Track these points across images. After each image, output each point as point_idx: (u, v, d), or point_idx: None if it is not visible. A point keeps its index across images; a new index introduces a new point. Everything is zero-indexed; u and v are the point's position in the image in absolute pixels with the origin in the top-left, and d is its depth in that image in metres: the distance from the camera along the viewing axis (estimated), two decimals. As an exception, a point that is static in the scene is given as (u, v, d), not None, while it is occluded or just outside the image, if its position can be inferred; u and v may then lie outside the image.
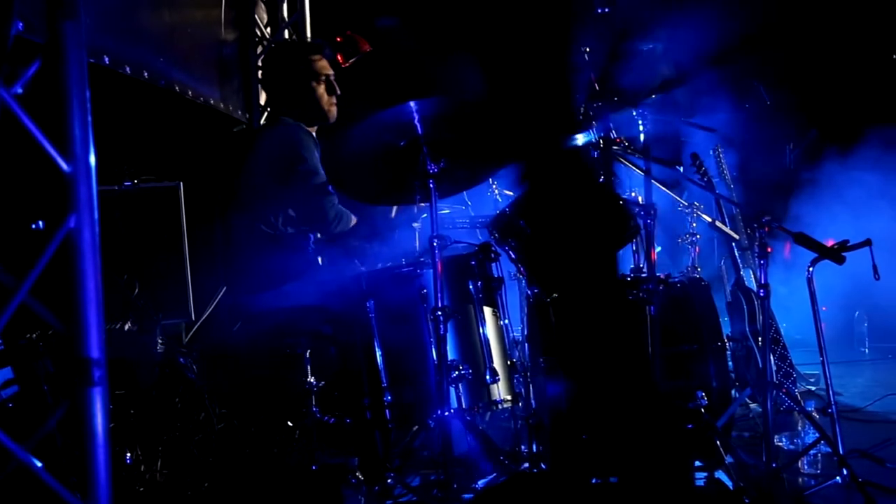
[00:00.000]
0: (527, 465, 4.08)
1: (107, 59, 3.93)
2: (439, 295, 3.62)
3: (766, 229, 3.94)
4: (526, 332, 4.51)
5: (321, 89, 4.39)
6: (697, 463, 4.11)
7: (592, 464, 4.04)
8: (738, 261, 5.51)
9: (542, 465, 4.13)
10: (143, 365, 4.22)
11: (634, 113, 4.09)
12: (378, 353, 3.92)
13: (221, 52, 5.58)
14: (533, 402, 4.27)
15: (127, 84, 4.45)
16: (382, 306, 3.92)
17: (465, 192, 5.54)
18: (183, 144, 5.33)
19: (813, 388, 5.74)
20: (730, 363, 5.45)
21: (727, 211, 5.46)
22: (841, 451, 3.97)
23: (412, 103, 3.44)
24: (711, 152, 5.75)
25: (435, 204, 3.61)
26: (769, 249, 4.00)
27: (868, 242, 3.94)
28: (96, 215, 2.04)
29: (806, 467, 4.14)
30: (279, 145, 4.23)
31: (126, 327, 4.27)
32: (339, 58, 6.05)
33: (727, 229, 5.22)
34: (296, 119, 4.38)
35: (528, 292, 4.36)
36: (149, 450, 3.98)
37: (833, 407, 3.99)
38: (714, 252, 7.12)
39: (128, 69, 4.20)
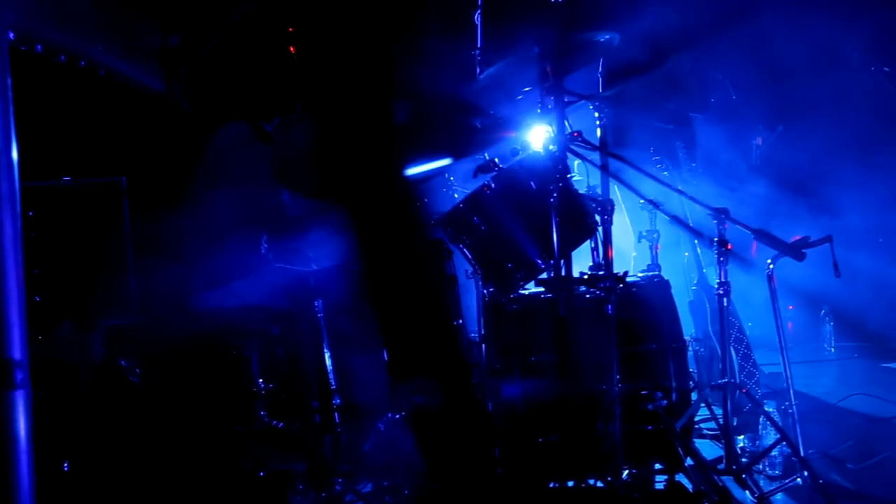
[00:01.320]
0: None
1: (39, 47, 3.86)
2: (389, 293, 3.59)
3: (725, 225, 3.97)
4: (482, 333, 4.50)
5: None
6: (657, 466, 4.13)
7: (548, 468, 4.06)
8: (701, 258, 5.55)
9: (499, 470, 4.13)
10: (82, 368, 4.16)
11: (591, 106, 4.11)
12: (327, 354, 3.89)
13: (167, 41, 5.49)
14: (490, 404, 4.27)
15: (66, 74, 4.38)
16: (332, 305, 3.89)
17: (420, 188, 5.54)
18: (128, 138, 5.24)
19: (777, 389, 5.78)
20: (693, 363, 5.51)
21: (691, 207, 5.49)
22: (802, 452, 4.01)
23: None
24: (676, 147, 5.79)
25: (385, 199, 3.58)
26: (729, 246, 4.03)
27: (829, 239, 3.97)
28: (18, 210, 2.00)
29: (767, 469, 4.17)
30: (229, 139, 4.19)
31: (64, 328, 4.20)
32: (291, 50, 5.99)
33: (689, 226, 5.25)
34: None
35: (484, 292, 4.36)
36: (88, 457, 3.92)
37: (793, 407, 4.03)
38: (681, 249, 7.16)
39: (63, 58, 4.13)
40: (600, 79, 4.33)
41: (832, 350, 7.30)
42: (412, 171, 3.87)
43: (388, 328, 3.31)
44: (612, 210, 4.03)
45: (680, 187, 5.42)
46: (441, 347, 3.38)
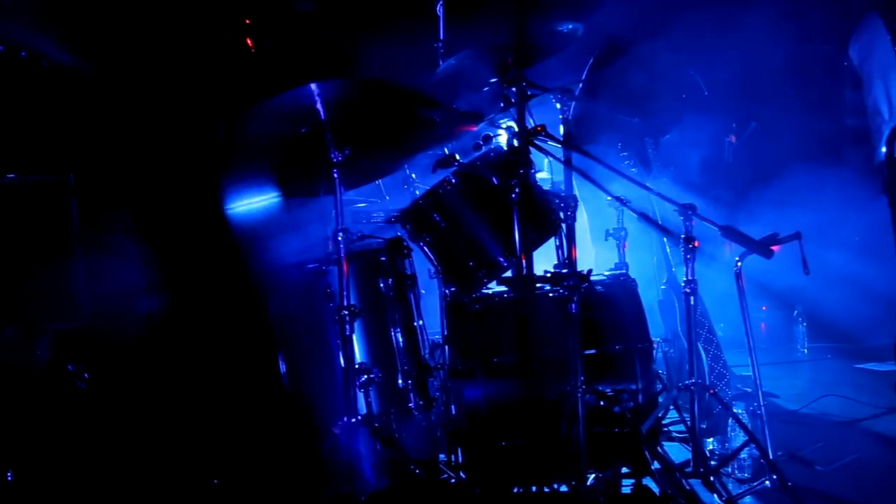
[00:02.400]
0: (446, 475, 4.04)
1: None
2: (345, 293, 3.56)
3: (692, 222, 3.96)
4: (445, 334, 4.47)
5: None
6: (624, 469, 4.12)
7: (512, 472, 4.04)
8: (671, 257, 5.54)
9: (462, 475, 4.11)
10: (26, 373, 4.09)
11: (553, 99, 4.08)
12: (279, 357, 3.84)
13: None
14: (453, 407, 4.24)
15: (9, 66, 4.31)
16: (284, 306, 3.84)
17: (381, 184, 5.51)
18: (74, 133, 5.16)
19: (749, 390, 5.79)
20: (662, 365, 5.50)
21: (660, 204, 5.49)
22: (771, 454, 4.01)
23: (313, 86, 3.36)
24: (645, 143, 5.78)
25: (340, 195, 3.55)
26: (696, 244, 4.02)
27: (797, 236, 3.97)
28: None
29: (736, 472, 4.17)
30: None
31: (7, 332, 4.14)
32: (248, 42, 5.94)
33: (657, 223, 5.24)
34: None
35: (446, 291, 4.32)
36: (34, 466, 3.86)
37: (762, 408, 4.03)
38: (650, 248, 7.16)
39: (2, 48, 4.06)
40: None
41: (805, 351, 7.34)
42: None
43: None
44: (576, 206, 4.01)
45: (648, 184, 5.44)
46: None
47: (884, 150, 3.87)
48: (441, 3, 5.24)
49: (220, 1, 5.93)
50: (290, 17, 6.90)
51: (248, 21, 5.96)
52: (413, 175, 5.24)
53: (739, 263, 4.14)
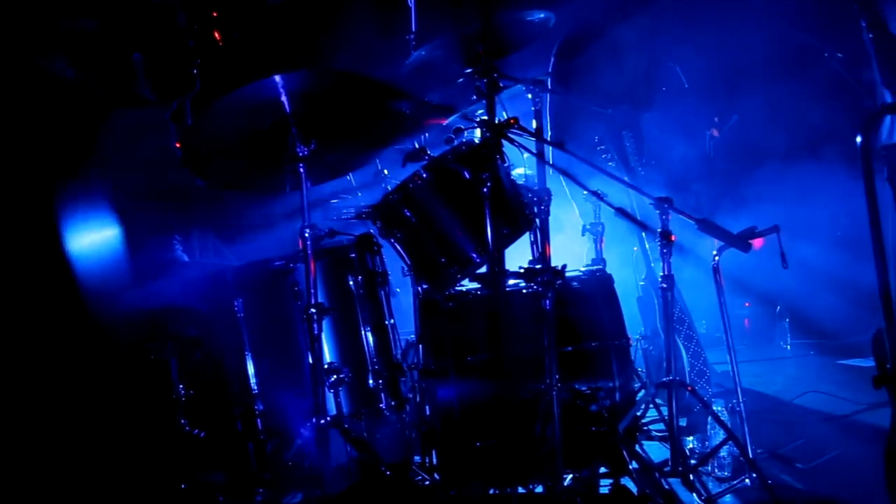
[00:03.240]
0: (419, 477, 4.02)
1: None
2: (313, 291, 3.53)
3: (668, 216, 3.95)
4: (418, 333, 4.45)
5: None
6: (602, 469, 4.11)
7: (487, 473, 4.02)
8: (650, 253, 5.53)
9: (436, 477, 4.08)
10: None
11: (525, 89, 4.07)
12: (248, 357, 3.81)
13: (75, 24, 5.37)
14: (427, 408, 4.22)
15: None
16: (252, 305, 3.81)
17: (353, 179, 5.49)
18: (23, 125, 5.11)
19: (729, 387, 5.80)
20: (641, 362, 5.50)
21: (639, 198, 5.48)
22: (751, 452, 4.01)
23: (278, 78, 3.33)
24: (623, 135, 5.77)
25: (306, 190, 3.52)
26: (672, 238, 4.01)
27: (775, 229, 3.97)
28: None
29: (716, 470, 4.17)
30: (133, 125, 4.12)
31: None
32: (216, 35, 5.90)
33: (635, 218, 5.23)
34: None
35: (418, 289, 4.30)
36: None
37: (741, 405, 4.02)
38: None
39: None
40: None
41: (788, 347, 7.35)
42: None
43: None
44: (550, 201, 3.99)
45: (626, 178, 5.44)
46: None
47: None
48: (413, -7, 5.22)
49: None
50: (261, 11, 6.88)
51: (215, 14, 5.93)
52: (385, 171, 5.22)
53: (717, 258, 4.14)
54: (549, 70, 6.23)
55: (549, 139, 5.98)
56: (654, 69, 7.07)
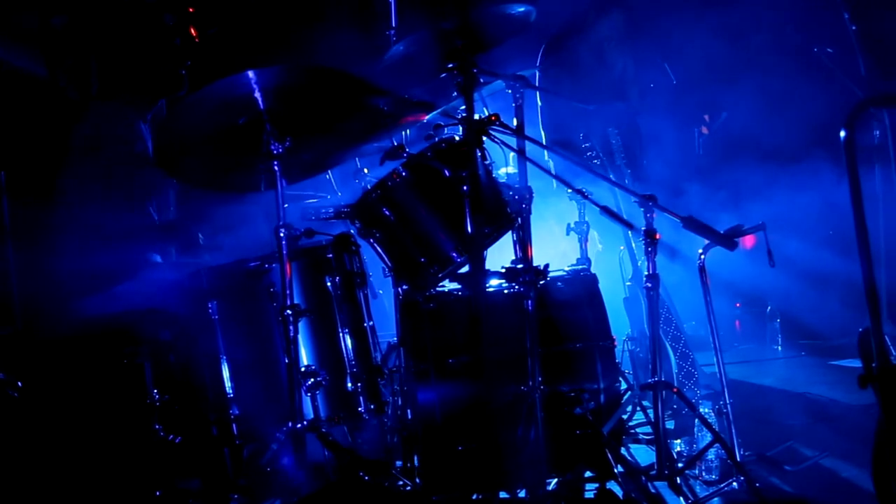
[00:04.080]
0: (401, 482, 4.01)
1: None
2: (288, 292, 3.51)
3: (653, 214, 3.94)
4: (399, 335, 4.43)
5: None
6: (587, 473, 4.10)
7: (469, 478, 4.01)
8: (636, 252, 5.53)
9: (418, 482, 4.07)
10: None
11: (505, 85, 4.06)
12: (223, 361, 3.79)
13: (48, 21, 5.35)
14: (409, 412, 4.21)
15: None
16: (227, 307, 3.79)
17: (332, 178, 5.47)
18: (7, 128, 5.09)
19: (717, 389, 5.80)
20: (628, 364, 5.50)
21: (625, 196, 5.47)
22: (739, 455, 4.01)
23: (251, 73, 3.31)
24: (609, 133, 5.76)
25: (281, 189, 3.51)
26: (657, 236, 4.00)
27: (762, 227, 3.97)
28: None
29: (704, 473, 4.16)
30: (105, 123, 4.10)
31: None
32: (191, 31, 5.88)
33: (620, 217, 5.22)
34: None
35: (398, 290, 4.29)
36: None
37: (728, 407, 4.02)
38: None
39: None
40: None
41: (779, 349, 7.36)
42: None
43: None
44: (531, 199, 3.99)
45: (612, 176, 5.44)
46: None
47: None
48: (393, -12, 5.21)
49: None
50: (239, 6, 6.86)
51: (191, 10, 5.91)
52: (366, 170, 5.21)
53: (703, 256, 4.13)
54: (537, 65, 6.23)
55: (543, 138, 6.02)
56: (640, 65, 7.06)
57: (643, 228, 3.99)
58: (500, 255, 4.29)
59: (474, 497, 4.05)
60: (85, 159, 4.10)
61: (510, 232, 4.14)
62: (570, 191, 4.69)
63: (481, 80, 4.00)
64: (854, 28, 4.45)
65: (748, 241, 6.18)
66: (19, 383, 4.32)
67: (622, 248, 5.79)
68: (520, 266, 3.91)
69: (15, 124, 4.96)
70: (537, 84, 5.88)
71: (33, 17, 5.01)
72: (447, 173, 3.82)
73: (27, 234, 4.58)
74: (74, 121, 4.31)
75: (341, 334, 3.90)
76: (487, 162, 4.00)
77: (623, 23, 6.79)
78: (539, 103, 6.50)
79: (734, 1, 7.43)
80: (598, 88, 6.42)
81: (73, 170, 4.06)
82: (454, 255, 3.86)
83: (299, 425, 3.55)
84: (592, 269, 4.67)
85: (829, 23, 6.71)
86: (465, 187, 3.64)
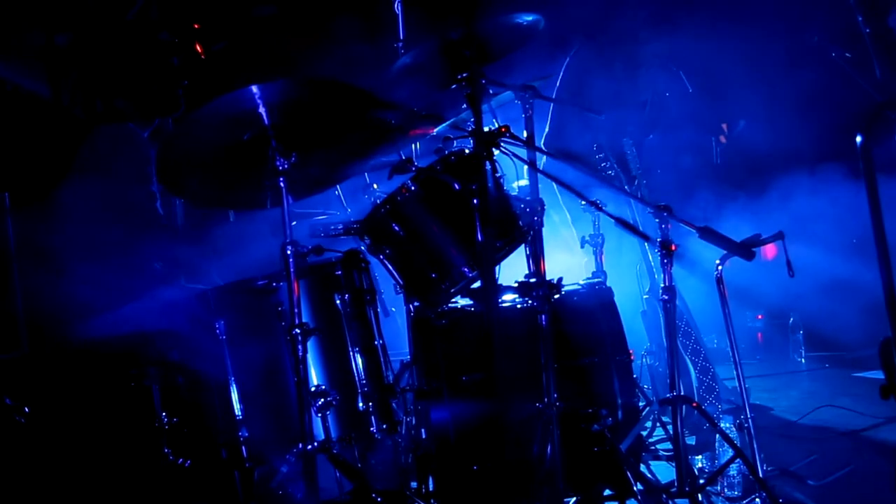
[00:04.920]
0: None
1: None
2: (296, 310, 3.51)
3: (668, 225, 3.93)
4: (412, 353, 4.43)
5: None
6: (606, 492, 4.08)
7: (484, 498, 3.99)
8: (653, 264, 5.52)
9: (433, 503, 4.06)
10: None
11: (514, 96, 4.06)
12: (231, 382, 3.79)
13: (52, 40, 5.39)
14: (423, 431, 4.20)
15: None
16: (235, 326, 3.79)
17: (341, 194, 5.48)
18: (10, 148, 5.12)
19: (740, 404, 5.77)
20: (647, 379, 5.48)
21: (641, 208, 5.46)
22: (762, 470, 3.98)
23: (254, 88, 3.32)
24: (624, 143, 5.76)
25: (287, 205, 3.51)
26: (673, 248, 3.98)
27: (780, 236, 3.95)
28: None
29: (726, 489, 4.14)
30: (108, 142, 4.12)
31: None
32: (197, 47, 5.92)
33: (636, 228, 5.21)
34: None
35: (409, 307, 4.29)
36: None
37: (749, 421, 4.00)
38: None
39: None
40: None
41: (802, 361, 7.32)
42: None
43: None
44: (543, 212, 3.98)
45: (627, 187, 5.43)
46: None
47: None
48: (399, 0, 5.23)
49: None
50: (247, 22, 6.90)
51: (196, 26, 5.95)
52: (375, 185, 5.22)
53: (720, 267, 4.11)
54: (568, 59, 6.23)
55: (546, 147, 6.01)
56: (656, 75, 7.07)
57: (659, 240, 3.98)
58: (513, 269, 4.28)
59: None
60: (89, 179, 4.11)
61: (523, 245, 4.13)
62: (583, 203, 4.68)
63: (490, 91, 4.00)
64: (868, 31, 4.44)
65: (769, 252, 6.17)
66: (26, 408, 4.33)
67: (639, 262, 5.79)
68: (533, 280, 3.90)
69: (18, 144, 5.00)
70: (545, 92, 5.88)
71: (37, 37, 5.07)
72: (457, 187, 3.82)
73: (32, 256, 4.60)
74: (79, 140, 4.34)
75: (352, 353, 3.89)
76: (498, 174, 3.99)
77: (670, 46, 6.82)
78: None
79: (750, 8, 7.42)
80: (618, 99, 6.43)
81: (78, 189, 4.07)
82: (466, 270, 3.84)
83: (310, 447, 3.53)
84: (608, 283, 4.66)
85: (847, 26, 6.71)
86: (475, 201, 3.62)
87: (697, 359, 5.37)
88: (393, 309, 5.65)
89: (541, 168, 4.09)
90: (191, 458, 4.00)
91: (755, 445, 4.01)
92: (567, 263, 5.52)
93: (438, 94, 4.25)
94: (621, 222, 4.10)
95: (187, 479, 4.06)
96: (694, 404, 4.03)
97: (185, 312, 3.88)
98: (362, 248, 4.10)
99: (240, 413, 3.79)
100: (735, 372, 4.19)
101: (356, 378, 3.88)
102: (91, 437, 4.31)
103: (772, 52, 7.74)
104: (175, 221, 4.29)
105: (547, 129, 6.61)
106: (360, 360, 3.90)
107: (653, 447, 4.89)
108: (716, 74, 7.55)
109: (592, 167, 5.33)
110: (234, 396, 3.80)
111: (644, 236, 4.67)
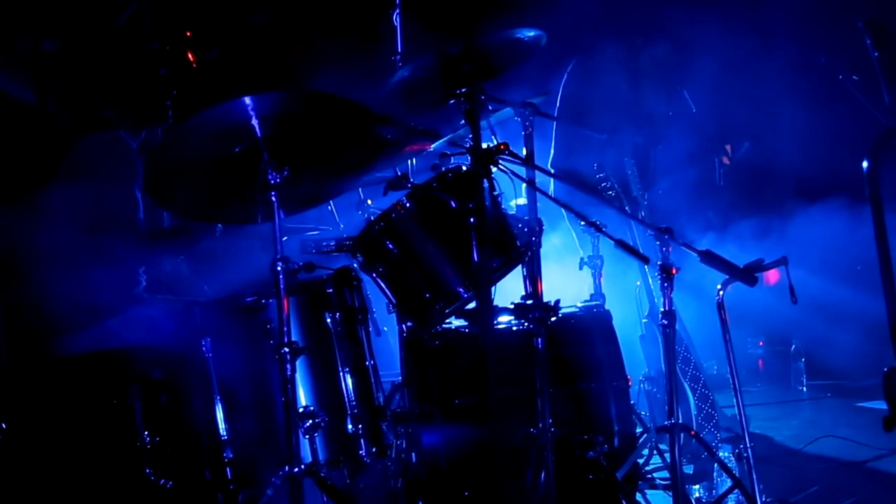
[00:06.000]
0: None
1: None
2: (285, 328, 3.50)
3: (669, 248, 3.93)
4: (403, 374, 4.42)
5: None
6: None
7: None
8: (653, 287, 5.52)
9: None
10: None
11: (513, 113, 4.07)
12: (217, 401, 3.77)
13: (39, 46, 5.40)
14: (413, 455, 4.19)
15: None
16: (221, 344, 3.77)
17: (334, 210, 5.48)
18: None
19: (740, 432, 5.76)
20: (644, 405, 5.47)
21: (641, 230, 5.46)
22: (761, 501, 3.97)
23: (247, 99, 3.32)
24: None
25: (278, 221, 3.50)
26: (674, 271, 3.99)
27: (783, 261, 3.95)
28: None
29: (723, 521, 4.13)
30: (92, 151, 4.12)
31: None
32: (189, 56, 5.91)
33: (636, 251, 5.21)
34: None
35: (402, 327, 4.28)
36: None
37: (748, 451, 3.99)
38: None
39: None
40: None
41: (804, 389, 7.32)
42: None
43: None
44: (542, 232, 3.98)
45: (628, 208, 5.44)
46: None
47: None
48: (397, 11, 5.23)
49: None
50: (242, 30, 6.91)
51: (189, 34, 5.94)
52: (369, 201, 5.22)
53: (721, 292, 4.11)
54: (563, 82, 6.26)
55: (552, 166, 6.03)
56: (659, 93, 7.09)
57: (659, 263, 3.99)
58: (510, 290, 4.28)
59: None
60: (72, 188, 4.10)
61: (520, 266, 4.13)
62: (583, 223, 4.68)
63: (489, 108, 4.00)
64: (876, 55, 4.46)
65: (771, 277, 6.18)
66: (3, 424, 4.30)
67: (638, 283, 5.78)
68: (530, 302, 3.90)
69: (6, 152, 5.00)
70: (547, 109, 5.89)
71: (23, 42, 5.06)
72: (454, 205, 3.82)
73: (11, 267, 4.58)
74: (63, 149, 4.33)
75: (342, 373, 3.88)
76: (496, 193, 4.00)
77: (669, 56, 6.83)
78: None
79: (756, 30, 7.45)
80: (620, 118, 6.45)
81: (60, 199, 4.06)
82: (461, 290, 3.84)
83: (297, 469, 3.51)
84: (606, 306, 4.66)
85: (855, 50, 6.73)
86: (472, 219, 3.62)
87: (697, 385, 5.36)
88: (385, 328, 5.64)
89: (540, 186, 4.09)
90: (173, 480, 3.96)
91: (754, 476, 4.00)
92: (576, 285, 5.51)
93: (436, 110, 4.25)
94: (621, 244, 4.10)
95: (169, 501, 4.02)
96: (692, 432, 4.04)
97: (170, 328, 3.86)
98: (355, 265, 4.09)
99: (225, 433, 3.77)
100: (735, 399, 4.19)
101: (346, 399, 3.86)
102: (70, 456, 4.27)
103: (776, 75, 7.78)
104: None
105: (552, 152, 6.62)
106: (350, 381, 3.89)
107: (649, 476, 4.88)
108: (720, 95, 7.58)
109: (594, 187, 5.33)
110: (220, 416, 3.78)
111: (644, 259, 4.67)
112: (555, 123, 6.42)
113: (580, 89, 6.58)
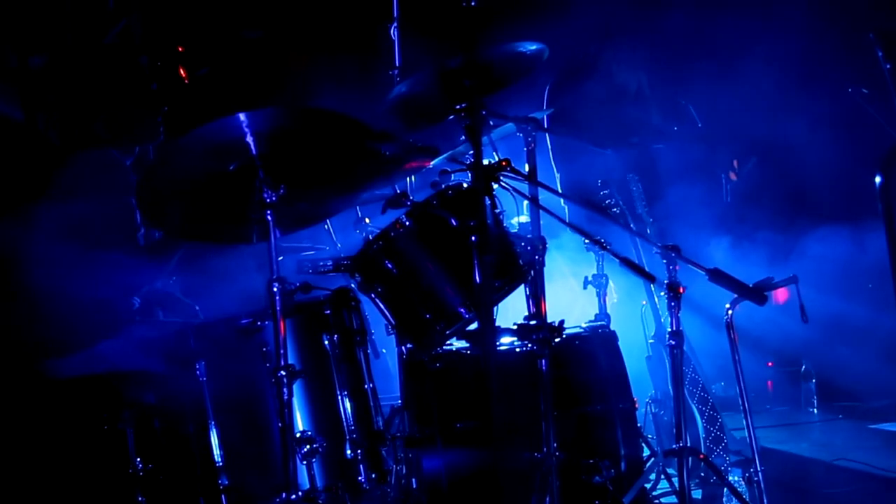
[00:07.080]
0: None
1: None
2: (282, 351, 3.50)
3: (676, 266, 3.94)
4: (403, 397, 4.42)
5: None
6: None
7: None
8: (659, 307, 5.52)
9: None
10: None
11: (515, 128, 4.09)
12: (212, 426, 3.77)
13: (26, 62, 5.42)
14: (414, 481, 4.18)
15: None
16: (216, 367, 3.77)
17: (331, 229, 5.49)
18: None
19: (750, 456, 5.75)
20: (651, 428, 5.46)
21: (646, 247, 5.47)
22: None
23: (242, 116, 3.33)
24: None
25: (274, 240, 3.51)
26: (681, 290, 3.99)
27: (794, 280, 3.96)
28: None
29: (734, 548, 4.12)
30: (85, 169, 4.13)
31: None
32: (181, 71, 5.94)
33: (642, 269, 5.21)
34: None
35: (402, 349, 4.29)
36: None
37: (759, 475, 3.99)
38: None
39: None
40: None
41: (814, 411, 7.31)
42: None
43: None
44: (545, 250, 3.99)
45: (632, 225, 5.45)
46: None
47: None
48: (395, 25, 5.26)
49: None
50: (236, 46, 6.94)
51: (181, 49, 5.98)
52: (367, 219, 5.23)
53: (730, 311, 4.12)
54: (544, 106, 6.27)
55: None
56: (663, 107, 7.11)
57: (666, 282, 3.99)
58: (512, 310, 4.29)
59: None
60: (63, 207, 4.11)
61: (522, 286, 4.14)
62: (587, 241, 4.69)
63: (491, 123, 4.02)
64: (888, 67, 4.47)
65: (781, 296, 6.19)
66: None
67: (644, 302, 5.78)
68: (533, 322, 3.90)
69: None
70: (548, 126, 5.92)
71: (10, 58, 5.09)
72: (454, 223, 3.83)
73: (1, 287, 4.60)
74: (52, 167, 4.34)
75: (340, 397, 3.87)
76: (498, 210, 4.00)
77: (630, 46, 6.85)
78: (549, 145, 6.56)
79: (763, 42, 7.48)
80: (615, 125, 6.46)
81: (50, 219, 4.07)
82: (462, 310, 3.84)
83: (294, 496, 3.51)
84: (612, 326, 4.66)
85: (865, 61, 6.75)
86: (473, 238, 3.62)
87: (705, 407, 5.36)
88: (384, 350, 5.63)
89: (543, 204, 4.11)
90: (166, 508, 3.98)
91: (765, 500, 4.00)
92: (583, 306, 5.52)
93: (436, 125, 4.27)
94: (626, 262, 4.11)
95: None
96: (701, 456, 4.05)
97: (163, 351, 3.87)
98: (353, 285, 4.09)
99: (220, 459, 3.77)
100: (745, 422, 4.19)
101: (344, 424, 3.86)
102: (61, 483, 4.26)
103: (784, 87, 7.80)
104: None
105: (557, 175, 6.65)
106: (348, 405, 3.88)
107: (657, 501, 4.86)
108: (727, 109, 7.60)
109: (598, 205, 5.35)
110: (214, 442, 3.78)
111: (650, 277, 4.67)
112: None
113: (570, 103, 6.59)
